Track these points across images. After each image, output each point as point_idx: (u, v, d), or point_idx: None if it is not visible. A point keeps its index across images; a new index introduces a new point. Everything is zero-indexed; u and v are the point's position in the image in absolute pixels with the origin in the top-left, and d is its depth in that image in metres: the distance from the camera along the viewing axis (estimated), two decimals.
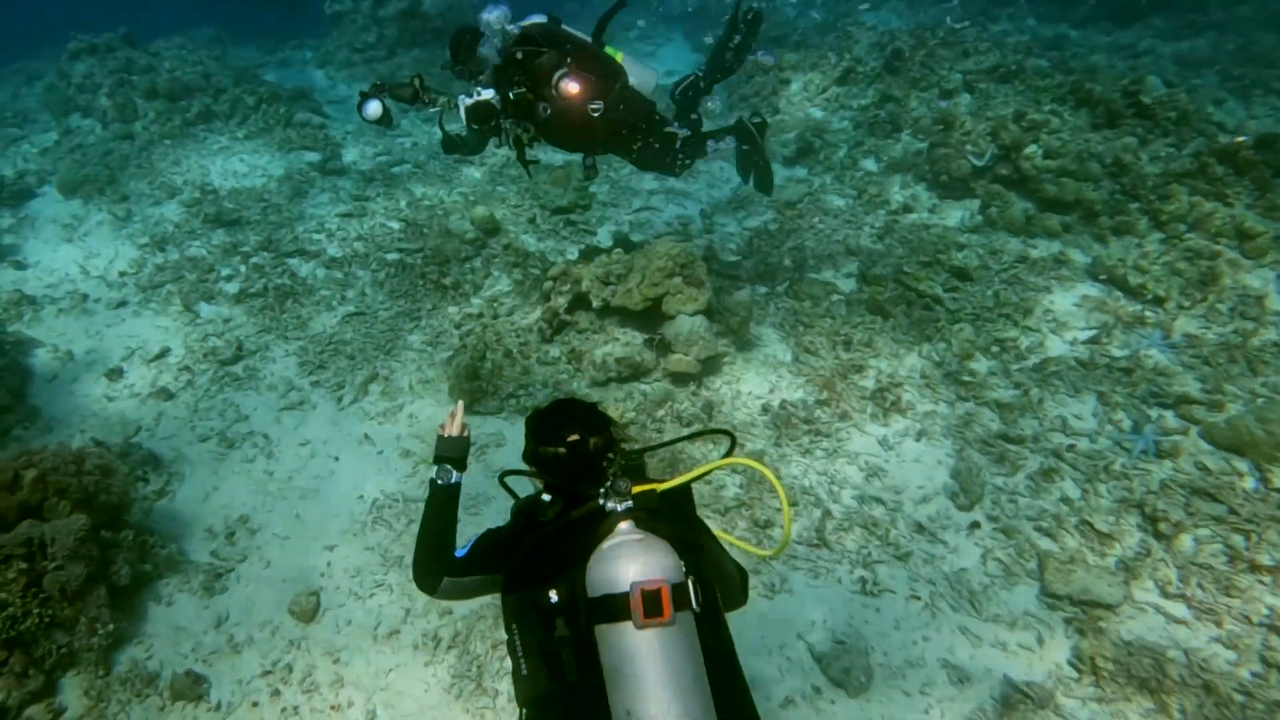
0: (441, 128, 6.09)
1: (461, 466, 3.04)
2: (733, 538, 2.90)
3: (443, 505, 2.96)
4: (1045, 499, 5.67)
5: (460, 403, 3.32)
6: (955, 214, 8.60)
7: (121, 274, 8.25)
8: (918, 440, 6.20)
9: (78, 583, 4.68)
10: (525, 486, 2.85)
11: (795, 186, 9.56)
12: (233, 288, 7.99)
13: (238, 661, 5.00)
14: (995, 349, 6.85)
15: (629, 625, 2.22)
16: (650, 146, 6.21)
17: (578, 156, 6.45)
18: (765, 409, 6.49)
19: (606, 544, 2.37)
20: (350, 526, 5.78)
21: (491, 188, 9.78)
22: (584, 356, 6.63)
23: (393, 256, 8.40)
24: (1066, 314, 7.12)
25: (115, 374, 7.05)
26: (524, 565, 2.46)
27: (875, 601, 5.19)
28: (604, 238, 8.93)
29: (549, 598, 2.34)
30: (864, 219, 8.79)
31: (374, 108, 5.74)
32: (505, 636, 2.47)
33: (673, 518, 2.54)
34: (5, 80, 14.38)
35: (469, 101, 5.61)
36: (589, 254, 7.17)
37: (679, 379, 6.59)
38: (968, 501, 5.70)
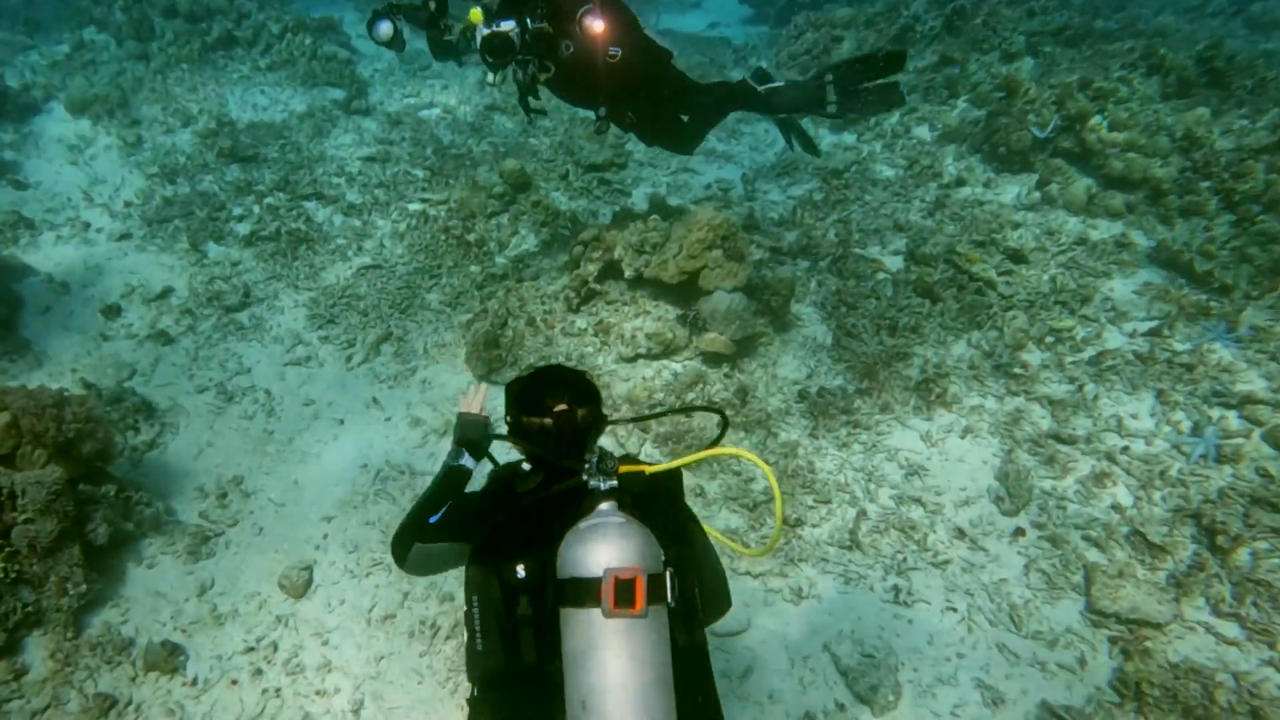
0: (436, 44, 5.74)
1: (478, 453, 2.99)
2: (718, 533, 2.78)
3: (451, 487, 2.88)
4: (1095, 506, 5.38)
5: (485, 386, 3.25)
6: (1011, 189, 8.18)
7: (127, 204, 7.92)
8: (963, 437, 5.88)
9: (49, 539, 4.41)
10: (506, 453, 2.67)
11: (843, 154, 9.13)
12: (244, 229, 7.66)
13: (219, 634, 4.74)
14: (1050, 339, 6.48)
15: (597, 612, 2.13)
16: (663, 107, 5.94)
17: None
18: (802, 396, 6.15)
19: (584, 523, 2.27)
20: (350, 498, 5.49)
21: (524, 139, 9.38)
22: (612, 330, 6.28)
23: (415, 207, 8.03)
24: (1126, 303, 6.75)
25: (113, 311, 6.75)
26: (495, 537, 2.37)
27: (908, 612, 4.91)
28: (639, 199, 8.55)
29: (516, 573, 2.26)
30: (914, 192, 8.38)
31: (385, 28, 5.45)
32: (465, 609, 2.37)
33: (660, 504, 2.44)
34: None
35: (486, 31, 5.23)
36: (623, 218, 6.77)
37: (712, 359, 6.24)
38: (1013, 507, 5.40)
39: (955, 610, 4.90)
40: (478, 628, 2.30)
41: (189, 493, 5.52)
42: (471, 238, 7.59)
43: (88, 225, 7.61)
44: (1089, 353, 6.36)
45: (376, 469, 5.68)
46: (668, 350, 6.22)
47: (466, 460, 2.94)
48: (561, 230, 7.85)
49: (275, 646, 4.67)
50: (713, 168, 9.14)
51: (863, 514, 5.38)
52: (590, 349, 6.35)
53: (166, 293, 7.00)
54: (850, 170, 8.77)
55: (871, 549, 5.22)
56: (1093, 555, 5.10)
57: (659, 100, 5.95)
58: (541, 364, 2.90)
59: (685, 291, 6.30)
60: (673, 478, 2.56)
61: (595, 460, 2.38)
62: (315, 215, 7.87)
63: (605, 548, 2.19)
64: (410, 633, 4.74)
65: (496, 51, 5.27)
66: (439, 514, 2.67)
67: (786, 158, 9.07)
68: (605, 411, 2.65)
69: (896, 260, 7.46)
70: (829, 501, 5.47)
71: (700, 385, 5.96)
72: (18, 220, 7.42)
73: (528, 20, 5.30)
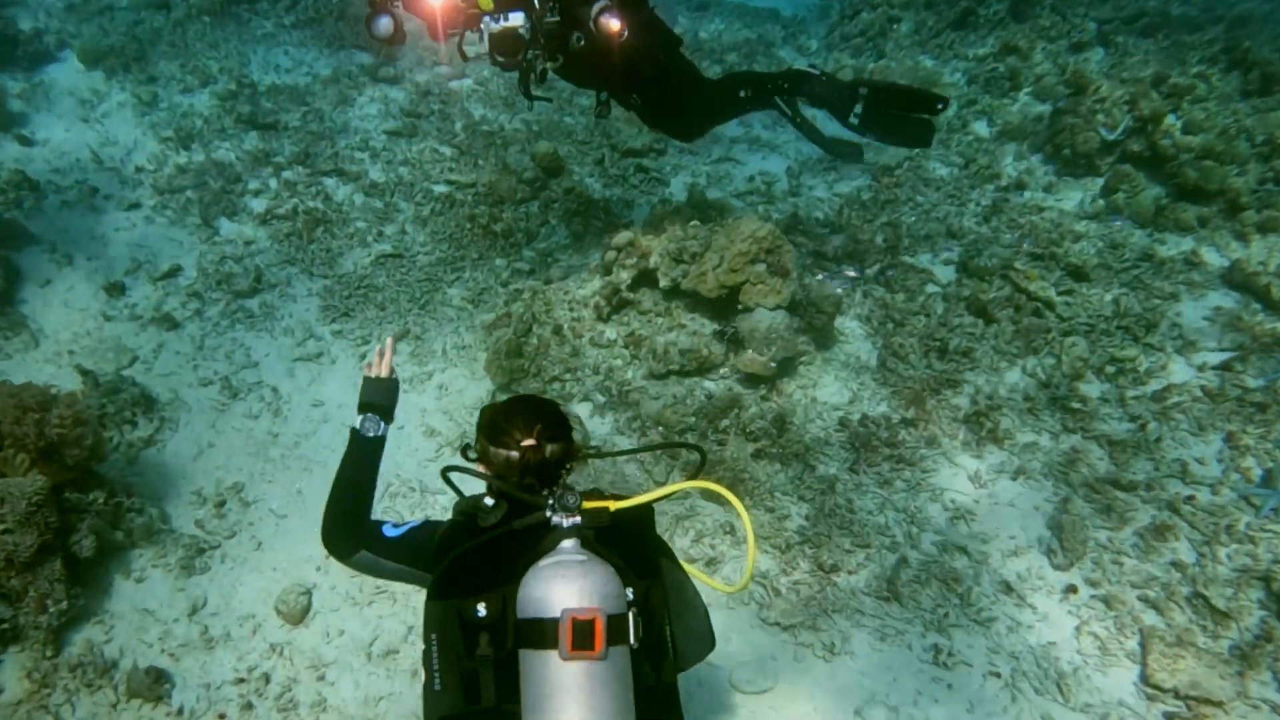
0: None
1: (389, 417, 2.94)
2: (692, 568, 2.71)
3: (364, 460, 2.84)
4: (1155, 562, 5.07)
5: (390, 339, 3.21)
6: (1074, 195, 7.80)
7: (138, 169, 7.62)
8: (1014, 479, 5.57)
9: (28, 553, 4.18)
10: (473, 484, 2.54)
11: (894, 149, 8.68)
12: (259, 205, 7.34)
13: (209, 660, 4.53)
14: (1111, 369, 6.12)
15: (554, 655, 2.12)
16: (669, 93, 5.71)
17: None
18: (843, 424, 5.83)
19: (544, 561, 2.26)
20: None
21: (559, 117, 8.98)
22: (644, 343, 5.96)
23: (441, 189, 7.69)
24: (1195, 330, 6.38)
25: (116, 289, 6.48)
26: (455, 572, 2.35)
27: (948, 675, 4.62)
28: (677, 189, 8.19)
29: (476, 611, 2.23)
30: (969, 194, 7.98)
31: (385, 24, 5.05)
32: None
33: (628, 539, 2.41)
34: None
35: (496, 27, 4.88)
36: (658, 218, 6.41)
37: (749, 379, 5.91)
38: (1065, 560, 5.10)
39: (999, 675, 4.61)
40: (436, 667, 2.28)
41: (185, 497, 5.29)
42: (498, 227, 7.25)
43: (95, 191, 7.31)
44: (1153, 386, 6.02)
45: (386, 483, 5.41)
46: (702, 367, 5.90)
47: (380, 427, 2.87)
48: (594, 220, 7.50)
49: (268, 678, 4.45)
50: (756, 158, 8.73)
51: (904, 561, 5.08)
52: (619, 361, 6.03)
53: (174, 271, 6.72)
54: (902, 167, 8.36)
55: (911, 601, 4.93)
56: (1150, 618, 4.80)
57: (666, 87, 5.71)
58: (511, 396, 2.82)
59: (724, 304, 5.96)
60: (642, 513, 2.51)
61: (559, 495, 2.34)
62: (335, 193, 7.54)
63: (563, 588, 2.17)
64: (413, 671, 4.53)
65: (507, 51, 4.97)
66: (400, 530, 2.63)
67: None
68: (584, 444, 2.60)
69: (948, 271, 7.08)
70: (868, 546, 5.17)
71: (735, 411, 5.63)
72: (22, 181, 7.13)
73: (542, 17, 4.99)
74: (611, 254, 6.08)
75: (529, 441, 2.45)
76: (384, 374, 3.02)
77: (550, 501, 2.34)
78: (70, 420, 4.47)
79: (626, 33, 4.96)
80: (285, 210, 7.27)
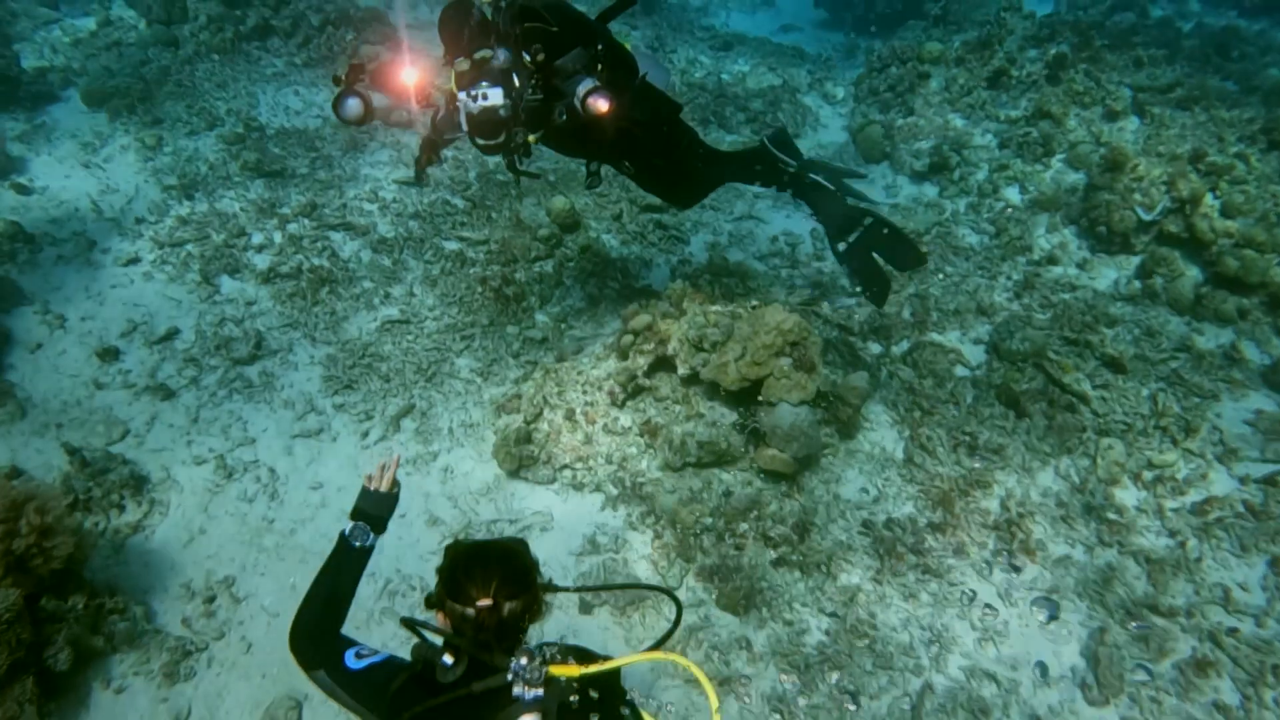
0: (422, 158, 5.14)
1: (381, 528, 2.98)
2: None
3: (346, 568, 2.87)
4: (1195, 701, 4.77)
5: (397, 454, 3.24)
6: (1109, 274, 7.52)
7: (139, 221, 7.42)
8: (1047, 598, 5.25)
9: None
10: None
11: (924, 211, 8.47)
12: (262, 261, 7.13)
13: None
14: (1148, 476, 5.83)
15: None
16: (663, 161, 5.53)
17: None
18: (867, 526, 5.56)
19: None
20: (354, 613, 4.90)
21: (577, 166, 8.75)
22: (660, 432, 5.71)
23: (451, 246, 7.47)
24: (1237, 436, 6.08)
25: (110, 354, 6.27)
26: None
27: None
28: (697, 248, 7.97)
29: None
30: (1000, 266, 7.71)
31: (353, 106, 4.65)
32: None
33: (596, 710, 2.34)
34: None
35: (474, 107, 4.55)
36: (678, 295, 6.17)
37: (770, 475, 5.65)
38: (1101, 696, 4.81)
39: None
40: None
41: (173, 591, 5.07)
42: (510, 290, 7.03)
43: (93, 244, 7.12)
44: (1192, 497, 5.74)
45: (385, 579, 5.19)
46: (720, 460, 5.65)
47: (369, 538, 2.92)
48: (610, 283, 7.28)
49: None
50: (780, 216, 8.50)
51: (928, 688, 4.82)
52: (634, 450, 5.79)
53: (171, 334, 6.51)
54: (931, 232, 8.11)
55: None
56: None
57: (659, 155, 5.51)
58: (479, 541, 2.62)
59: (744, 393, 5.71)
60: (613, 674, 2.43)
61: (523, 662, 2.25)
62: (341, 249, 7.33)
63: None
64: None
65: (487, 134, 4.66)
66: (362, 664, 2.56)
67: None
68: (548, 583, 2.54)
69: (978, 351, 6.83)
70: (890, 668, 4.92)
71: (754, 514, 5.39)
72: (17, 233, 6.94)
73: (522, 95, 4.68)
74: (629, 338, 5.84)
75: (485, 602, 2.35)
76: (384, 489, 3.05)
77: (513, 667, 2.25)
78: (41, 527, 4.24)
79: (615, 112, 4.63)
80: (289, 268, 7.05)
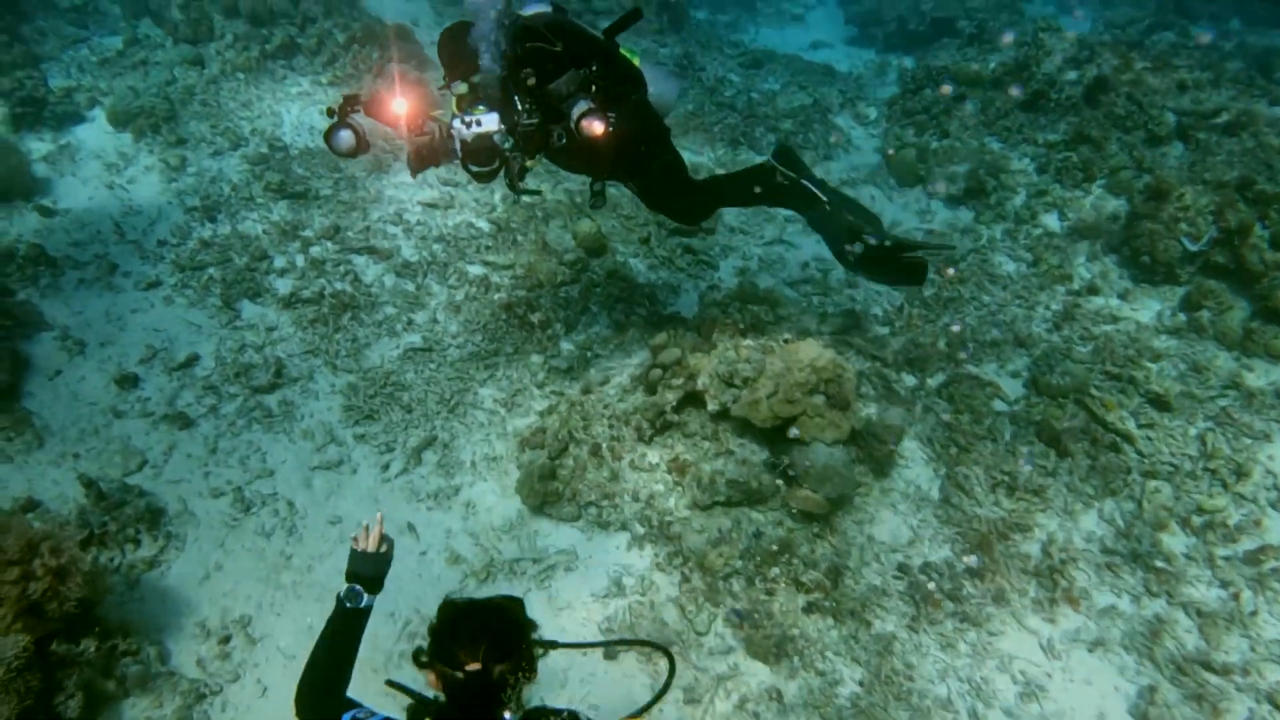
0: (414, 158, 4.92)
1: (376, 587, 3.03)
2: None
3: (345, 631, 2.91)
4: None
5: (380, 514, 3.23)
6: (1152, 306, 7.27)
7: (161, 243, 7.34)
8: (1091, 651, 5.10)
9: None
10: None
11: (959, 238, 8.25)
12: (284, 286, 7.03)
13: None
14: (1197, 521, 5.60)
15: None
16: (664, 176, 5.46)
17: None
18: (902, 570, 5.37)
19: None
20: (372, 655, 4.83)
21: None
22: (688, 469, 5.55)
23: (476, 271, 7.34)
24: None
25: (129, 381, 6.18)
26: None
27: None
28: (727, 273, 7.81)
29: None
30: (1038, 295, 7.47)
31: (345, 138, 4.61)
32: None
33: None
34: None
35: (468, 134, 4.45)
36: (708, 325, 6.02)
37: (802, 516, 5.47)
38: None
39: None
40: None
41: (188, 629, 4.95)
42: (535, 317, 6.89)
43: (115, 267, 7.04)
44: (1245, 545, 5.51)
45: (404, 619, 5.05)
46: (750, 499, 5.48)
47: (363, 599, 2.97)
48: (637, 309, 7.13)
49: None
50: (811, 241, 8.29)
51: None
52: (661, 487, 5.63)
53: (191, 361, 6.41)
54: (967, 259, 7.90)
55: None
56: None
57: (660, 173, 5.46)
58: (471, 600, 2.64)
59: (777, 432, 5.54)
60: None
61: None
62: (364, 273, 7.22)
63: None
64: None
65: (481, 160, 4.57)
66: None
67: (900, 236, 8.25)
68: (539, 640, 2.57)
69: (1016, 384, 6.62)
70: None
71: (786, 557, 5.20)
72: (40, 256, 6.88)
73: (517, 119, 4.62)
74: (657, 372, 5.69)
75: (473, 666, 2.37)
76: (372, 549, 3.10)
77: None
78: (54, 569, 4.13)
79: (611, 131, 4.56)
80: (311, 293, 6.95)
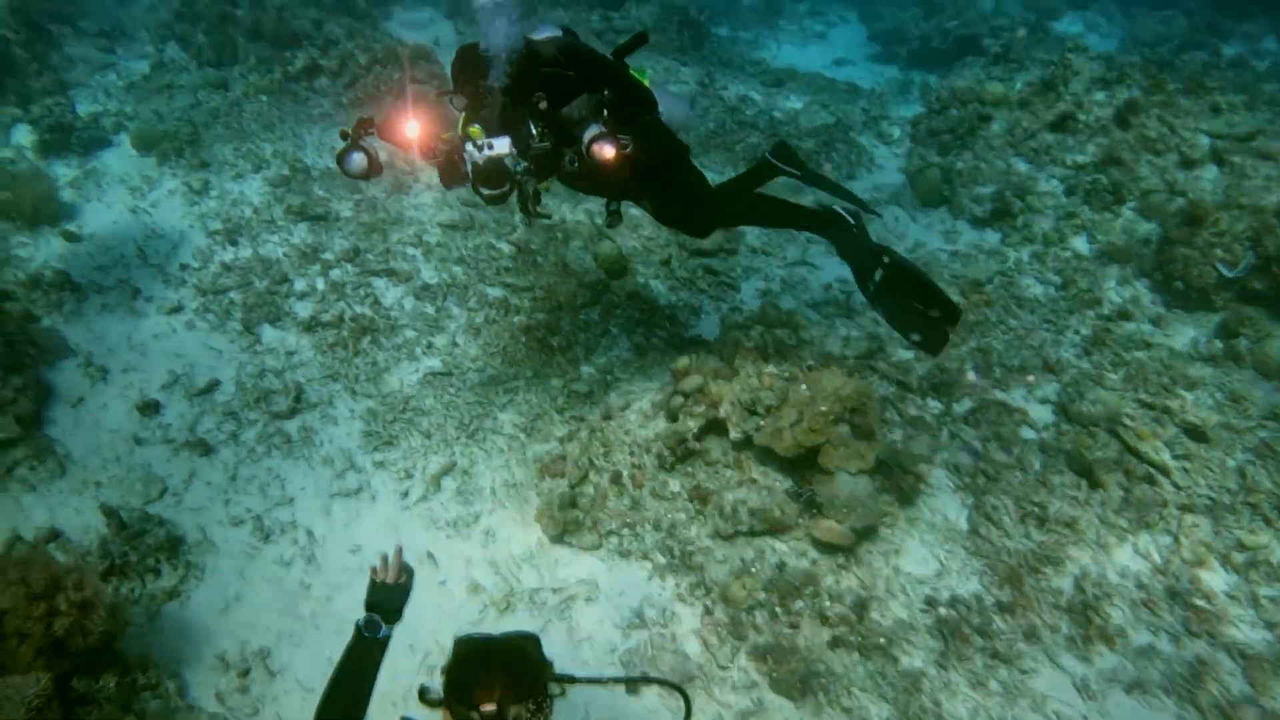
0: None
1: (394, 618, 3.07)
2: None
3: (364, 661, 2.91)
4: None
5: (399, 544, 3.27)
6: (1187, 332, 7.10)
7: (183, 267, 7.37)
8: (1129, 693, 4.93)
9: None
10: None
11: (984, 259, 8.13)
12: (304, 309, 7.03)
13: None
14: (1239, 558, 5.44)
15: None
16: (676, 192, 5.39)
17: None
18: (930, 603, 5.25)
19: None
20: (391, 688, 4.74)
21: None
22: (710, 498, 5.47)
23: (496, 293, 7.32)
24: None
25: (150, 408, 6.19)
26: None
27: None
28: (748, 295, 7.73)
29: None
30: (1067, 319, 7.33)
31: (358, 161, 4.66)
32: None
33: None
34: None
35: (480, 157, 4.46)
36: (730, 351, 5.96)
37: (826, 547, 5.38)
38: None
39: None
40: None
41: (207, 661, 4.92)
42: (556, 341, 6.85)
43: (138, 292, 7.07)
44: None
45: (424, 652, 5.00)
46: (773, 529, 5.39)
47: (381, 630, 3.00)
48: (658, 332, 7.08)
49: None
50: (834, 261, 8.21)
51: None
52: (683, 516, 5.55)
53: (212, 386, 6.41)
54: (993, 281, 7.78)
55: None
56: None
57: (674, 192, 5.39)
58: (486, 638, 2.61)
59: (800, 461, 5.45)
60: None
61: None
62: (384, 296, 7.21)
63: None
64: None
65: (492, 183, 4.56)
66: None
67: (924, 255, 8.15)
68: (557, 675, 2.52)
69: (1045, 411, 6.49)
70: None
71: (810, 590, 5.11)
72: (64, 282, 6.92)
73: (528, 144, 4.64)
74: (679, 399, 5.62)
75: (489, 707, 2.33)
76: (391, 579, 3.14)
77: None
78: (79, 602, 4.12)
79: (624, 154, 4.54)
80: (331, 316, 6.94)
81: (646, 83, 5.14)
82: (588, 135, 4.54)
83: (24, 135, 8.68)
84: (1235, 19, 13.54)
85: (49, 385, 6.19)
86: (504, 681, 2.39)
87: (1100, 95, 9.10)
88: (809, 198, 8.88)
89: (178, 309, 7.00)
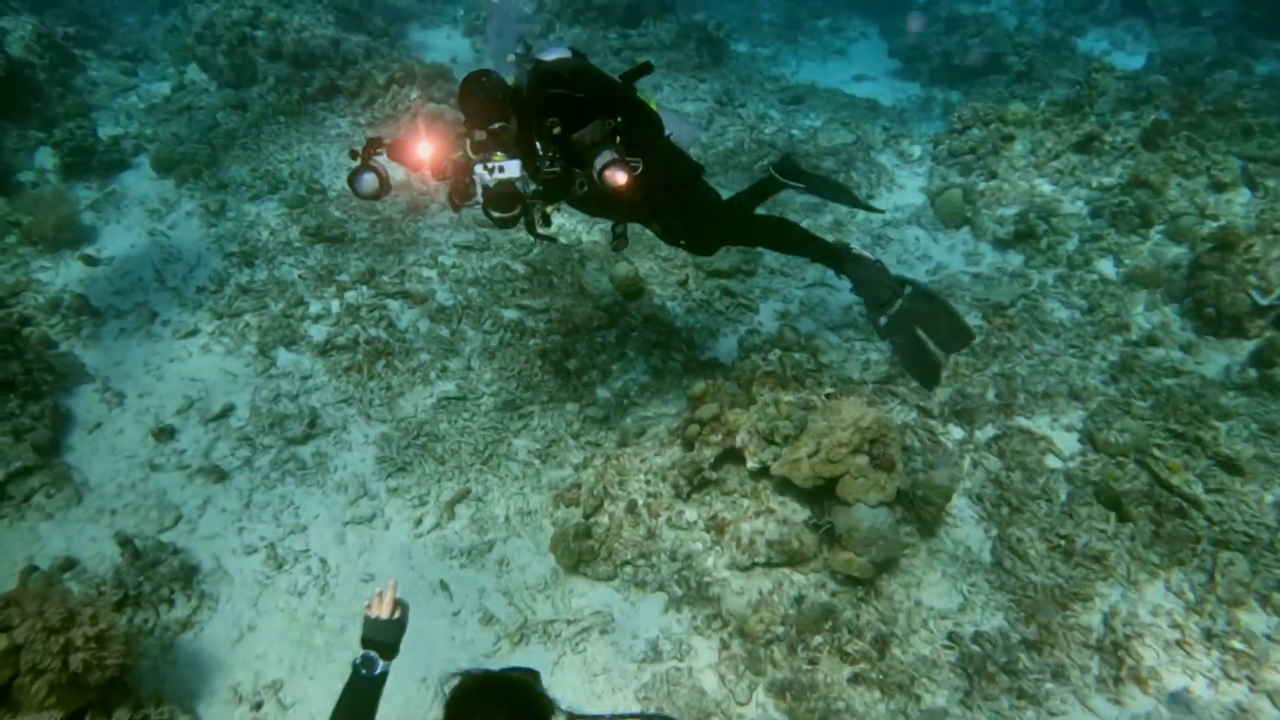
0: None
1: (390, 654, 3.05)
2: None
3: (362, 699, 2.92)
4: None
5: (393, 581, 3.25)
6: (1218, 360, 6.94)
7: (199, 290, 7.38)
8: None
9: None
10: None
11: (1008, 282, 8.00)
12: (319, 333, 7.01)
13: None
14: (1279, 599, 5.28)
15: None
16: (687, 211, 5.34)
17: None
18: (953, 639, 5.14)
19: None
20: None
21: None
22: (727, 528, 5.39)
23: (511, 315, 7.27)
24: None
25: (166, 434, 6.18)
26: None
27: None
28: (766, 317, 7.65)
29: None
30: (1094, 345, 7.18)
31: (369, 181, 4.65)
32: None
33: None
34: None
35: (490, 180, 4.46)
36: (746, 377, 5.89)
37: (845, 579, 5.28)
38: None
39: None
40: None
41: (220, 694, 4.88)
42: (571, 364, 6.80)
43: (155, 315, 7.08)
44: None
45: (440, 683, 4.91)
46: (791, 560, 5.30)
47: (378, 667, 3.00)
48: (674, 355, 7.01)
49: None
50: None
51: None
52: (699, 546, 5.47)
53: (227, 411, 6.40)
54: (1016, 304, 7.65)
55: None
56: None
57: (681, 216, 5.35)
58: (488, 673, 2.48)
59: (819, 491, 5.36)
60: None
61: None
62: (399, 319, 7.18)
63: None
64: None
65: (502, 206, 4.55)
66: None
67: (941, 275, 8.04)
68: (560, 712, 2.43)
69: (1071, 440, 6.36)
70: None
71: (829, 625, 5.02)
72: (83, 306, 6.94)
73: (539, 167, 4.66)
74: (694, 428, 5.55)
75: None
76: (385, 615, 3.11)
77: None
78: (95, 637, 4.09)
79: (634, 184, 4.52)
80: (346, 339, 6.92)
81: (654, 106, 5.13)
82: (599, 162, 4.52)
83: (47, 158, 8.75)
84: (1268, 36, 13.27)
85: (66, 411, 6.20)
86: (507, 715, 2.35)
87: (1127, 115, 8.98)
88: (829, 217, 8.84)
89: (194, 333, 7.01)
